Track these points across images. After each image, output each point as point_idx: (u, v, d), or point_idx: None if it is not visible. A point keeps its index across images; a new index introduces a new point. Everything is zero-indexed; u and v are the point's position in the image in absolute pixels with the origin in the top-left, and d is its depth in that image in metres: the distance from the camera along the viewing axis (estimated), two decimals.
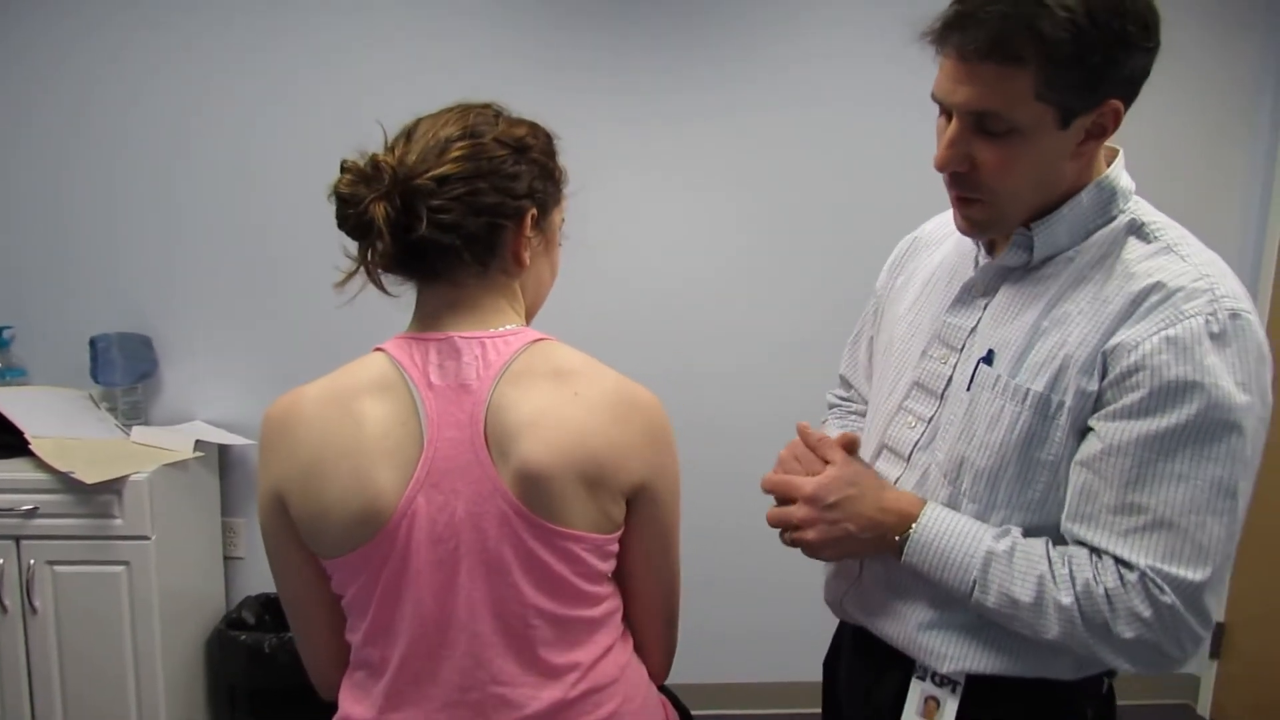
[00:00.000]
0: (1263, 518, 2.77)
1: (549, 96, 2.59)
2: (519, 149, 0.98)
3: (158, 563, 2.26)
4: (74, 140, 2.55)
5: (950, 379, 1.11)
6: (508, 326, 0.99)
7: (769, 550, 1.67)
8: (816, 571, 1.45)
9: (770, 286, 2.75)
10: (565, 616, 0.97)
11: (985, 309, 1.10)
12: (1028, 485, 1.04)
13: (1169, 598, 0.95)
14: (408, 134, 0.97)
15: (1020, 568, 1.01)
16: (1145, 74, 0.97)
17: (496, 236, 0.97)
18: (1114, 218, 1.04)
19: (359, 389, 0.95)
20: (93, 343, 2.51)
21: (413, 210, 0.91)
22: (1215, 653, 2.93)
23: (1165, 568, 0.95)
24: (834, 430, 1.40)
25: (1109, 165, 1.05)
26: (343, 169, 0.94)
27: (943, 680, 1.12)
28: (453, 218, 0.93)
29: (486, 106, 1.01)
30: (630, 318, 2.73)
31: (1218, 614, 1.10)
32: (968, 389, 1.08)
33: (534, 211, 1.00)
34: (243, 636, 2.43)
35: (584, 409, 0.94)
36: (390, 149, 0.95)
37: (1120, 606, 0.96)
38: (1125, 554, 0.97)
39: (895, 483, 1.17)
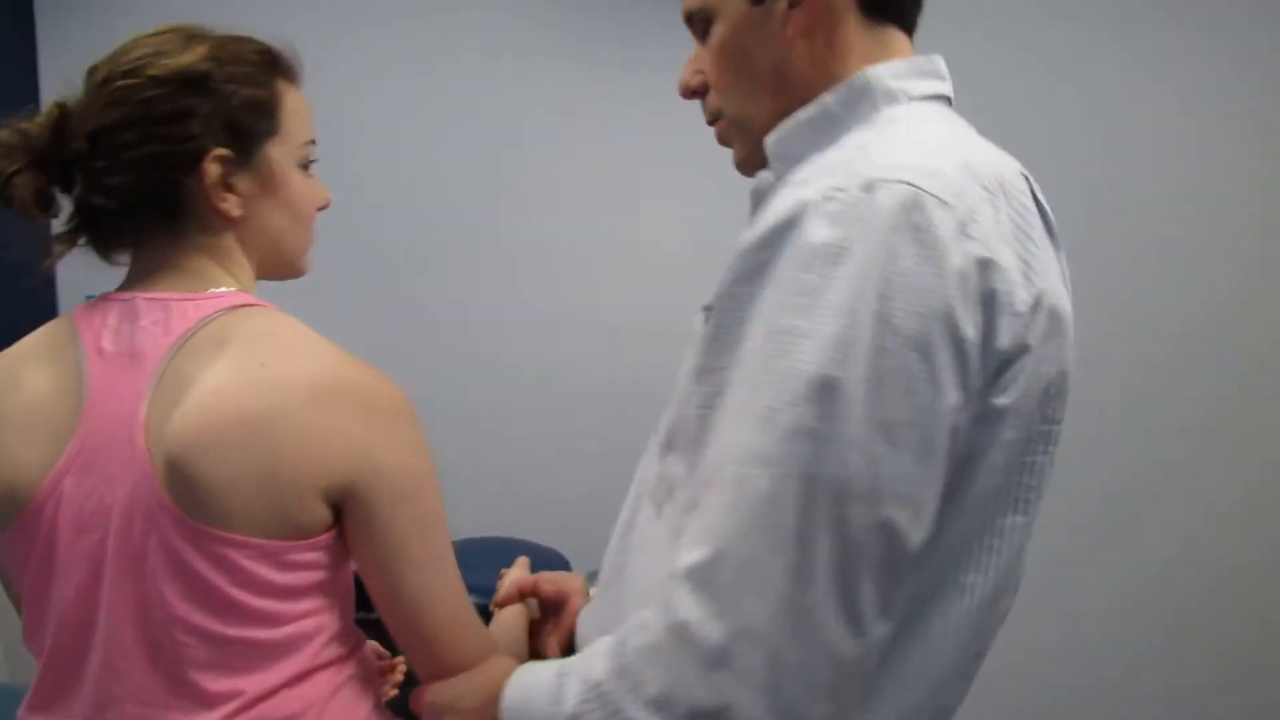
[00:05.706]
0: None
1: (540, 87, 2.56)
2: (185, 81, 0.81)
3: None
4: None
5: None
6: (217, 290, 0.84)
7: None
8: None
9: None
10: (225, 636, 0.80)
11: None
12: None
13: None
14: (90, 75, 0.83)
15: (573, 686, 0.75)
16: None
17: (173, 191, 0.83)
18: (868, 120, 0.80)
19: (30, 353, 0.86)
20: None
21: (69, 176, 0.82)
22: None
23: None
24: None
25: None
26: None
27: None
28: (106, 179, 0.81)
29: (177, 30, 0.85)
30: (599, 310, 2.64)
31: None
32: None
33: (221, 152, 0.83)
34: None
35: (267, 387, 0.78)
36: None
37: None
38: None
39: None
